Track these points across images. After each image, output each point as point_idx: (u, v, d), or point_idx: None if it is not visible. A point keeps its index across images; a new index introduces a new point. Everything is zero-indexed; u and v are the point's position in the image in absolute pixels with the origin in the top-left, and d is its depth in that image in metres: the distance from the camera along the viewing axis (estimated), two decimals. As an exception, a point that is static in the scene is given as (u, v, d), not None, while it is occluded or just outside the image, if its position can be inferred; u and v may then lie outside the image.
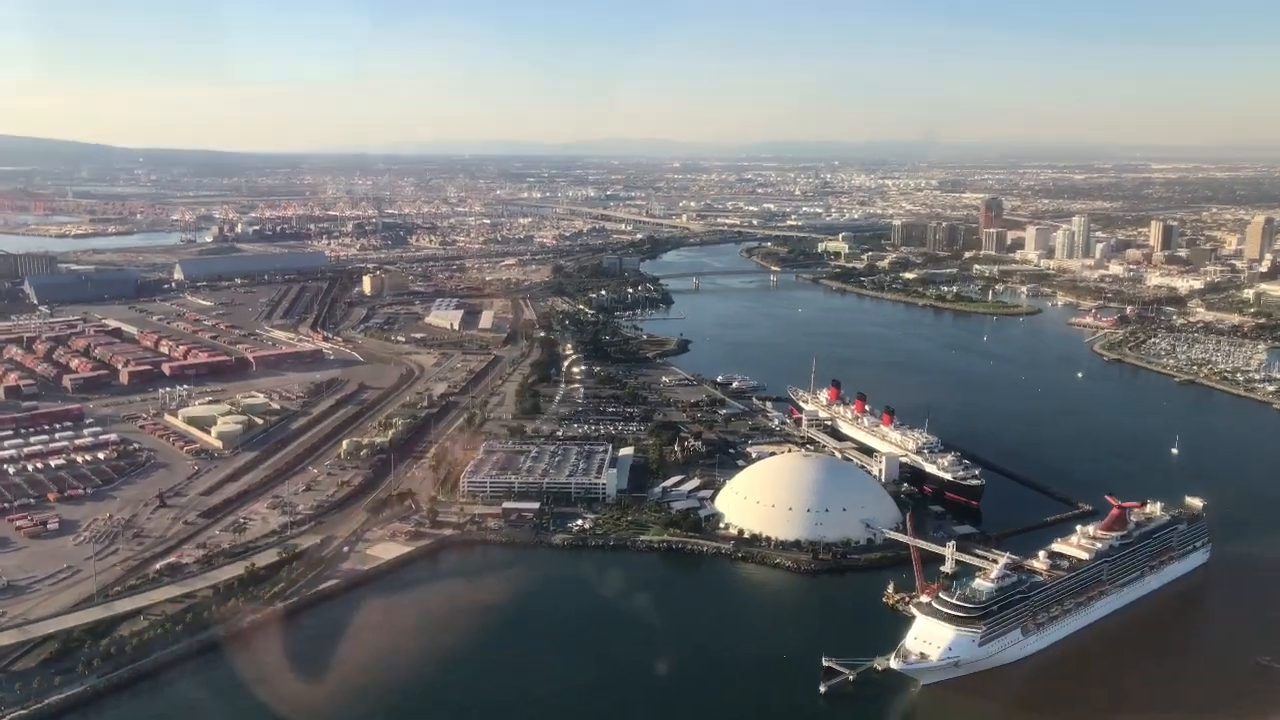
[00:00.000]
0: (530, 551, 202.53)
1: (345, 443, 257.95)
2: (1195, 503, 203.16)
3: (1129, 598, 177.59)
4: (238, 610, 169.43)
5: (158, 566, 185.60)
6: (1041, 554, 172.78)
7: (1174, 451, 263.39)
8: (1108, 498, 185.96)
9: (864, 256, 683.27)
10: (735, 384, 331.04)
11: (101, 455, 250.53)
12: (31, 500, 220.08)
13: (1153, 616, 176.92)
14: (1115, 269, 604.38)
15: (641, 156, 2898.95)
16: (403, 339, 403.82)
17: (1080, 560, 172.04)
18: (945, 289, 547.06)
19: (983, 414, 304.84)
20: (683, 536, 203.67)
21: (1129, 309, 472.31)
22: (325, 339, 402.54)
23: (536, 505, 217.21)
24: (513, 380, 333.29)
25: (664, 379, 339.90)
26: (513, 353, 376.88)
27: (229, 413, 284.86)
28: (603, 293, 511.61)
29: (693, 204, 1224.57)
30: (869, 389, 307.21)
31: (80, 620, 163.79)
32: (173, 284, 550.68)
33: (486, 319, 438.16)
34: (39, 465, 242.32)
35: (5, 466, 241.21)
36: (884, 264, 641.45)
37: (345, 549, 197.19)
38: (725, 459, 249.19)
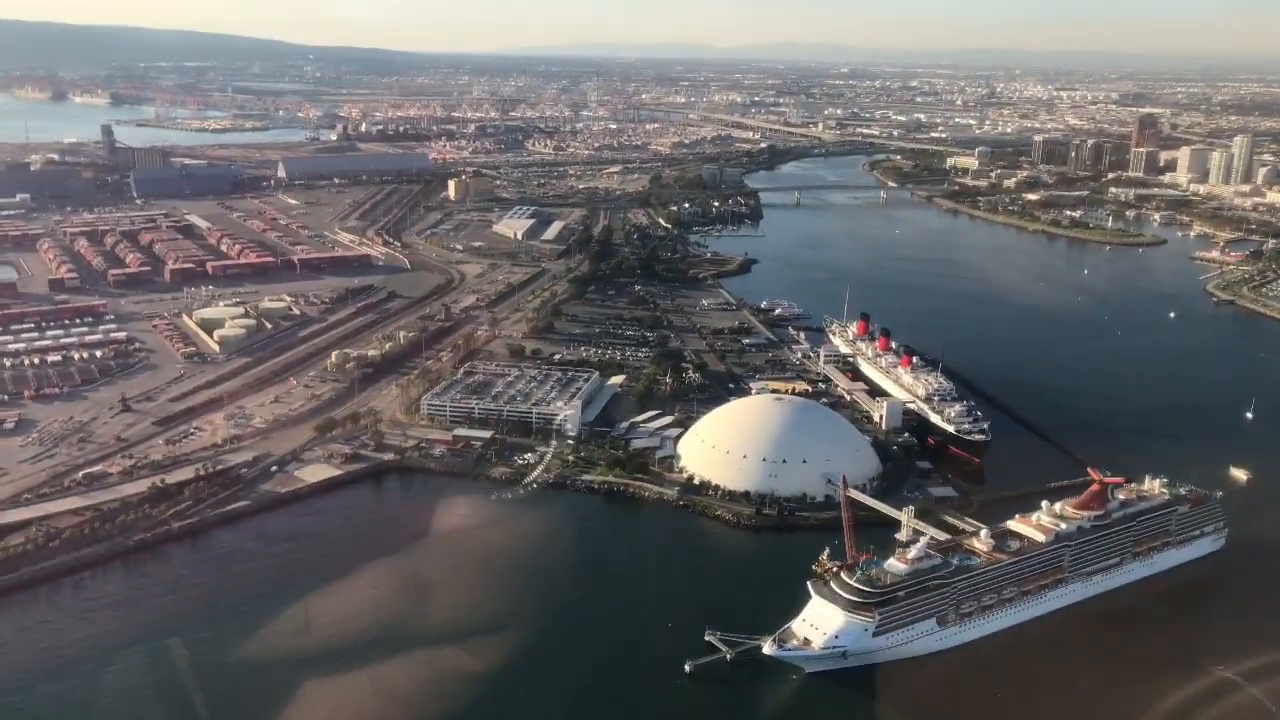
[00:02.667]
0: (464, 483, 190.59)
1: (334, 354, 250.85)
2: (1239, 475, 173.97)
3: (1099, 588, 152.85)
4: (125, 528, 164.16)
5: (78, 476, 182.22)
6: (984, 532, 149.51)
7: (1248, 416, 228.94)
8: (1089, 469, 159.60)
9: (993, 174, 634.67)
10: (778, 311, 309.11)
11: (99, 354, 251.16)
12: (5, 397, 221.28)
13: (1125, 612, 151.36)
14: (1274, 196, 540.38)
15: (811, 62, 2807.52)
16: (460, 247, 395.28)
17: (1034, 542, 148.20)
18: (1067, 213, 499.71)
19: (1036, 358, 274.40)
20: (625, 478, 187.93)
21: (1269, 243, 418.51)
22: (386, 244, 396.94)
23: (488, 434, 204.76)
24: (546, 295, 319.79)
25: (704, 302, 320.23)
26: (561, 266, 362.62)
27: (241, 316, 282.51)
28: (686, 206, 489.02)
29: (838, 112, 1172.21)
30: (918, 323, 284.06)
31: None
32: (271, 181, 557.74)
33: (553, 229, 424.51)
34: (35, 360, 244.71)
35: (3, 360, 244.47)
36: (1010, 184, 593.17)
37: (274, 469, 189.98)
38: (721, 394, 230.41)
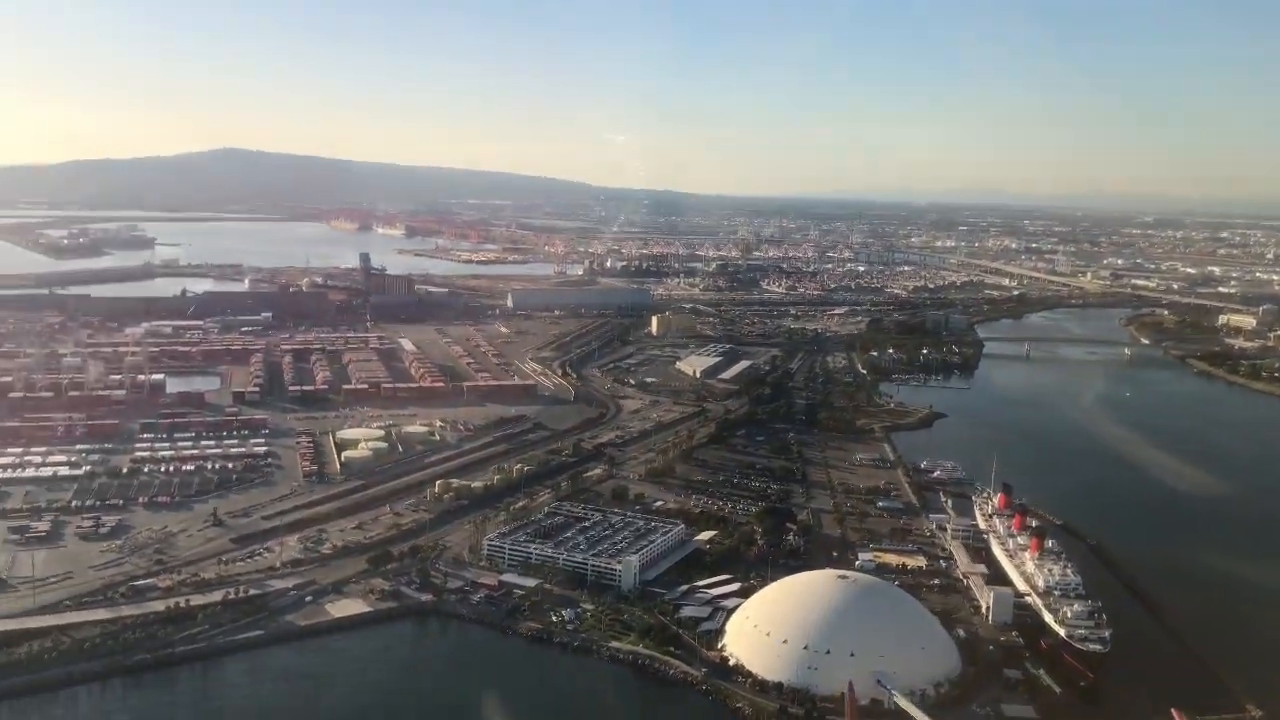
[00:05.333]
0: (489, 637, 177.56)
1: (437, 484, 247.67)
2: None
3: None
4: (127, 647, 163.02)
5: (122, 589, 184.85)
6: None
7: None
8: (1174, 712, 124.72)
9: (1272, 336, 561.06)
10: (937, 473, 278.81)
11: (230, 466, 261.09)
12: (120, 501, 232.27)
13: None
14: None
15: (1113, 210, 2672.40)
16: (632, 381, 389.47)
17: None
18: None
19: (1245, 557, 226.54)
20: (653, 650, 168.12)
21: None
22: (564, 375, 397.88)
23: (533, 583, 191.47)
24: (683, 436, 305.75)
25: (858, 456, 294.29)
26: (721, 407, 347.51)
27: (379, 439, 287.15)
28: (890, 352, 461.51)
29: (1118, 262, 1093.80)
30: (1095, 501, 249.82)
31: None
32: (497, 311, 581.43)
33: (736, 369, 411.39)
34: (170, 469, 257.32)
35: (146, 466, 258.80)
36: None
37: (308, 599, 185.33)
38: (820, 562, 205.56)
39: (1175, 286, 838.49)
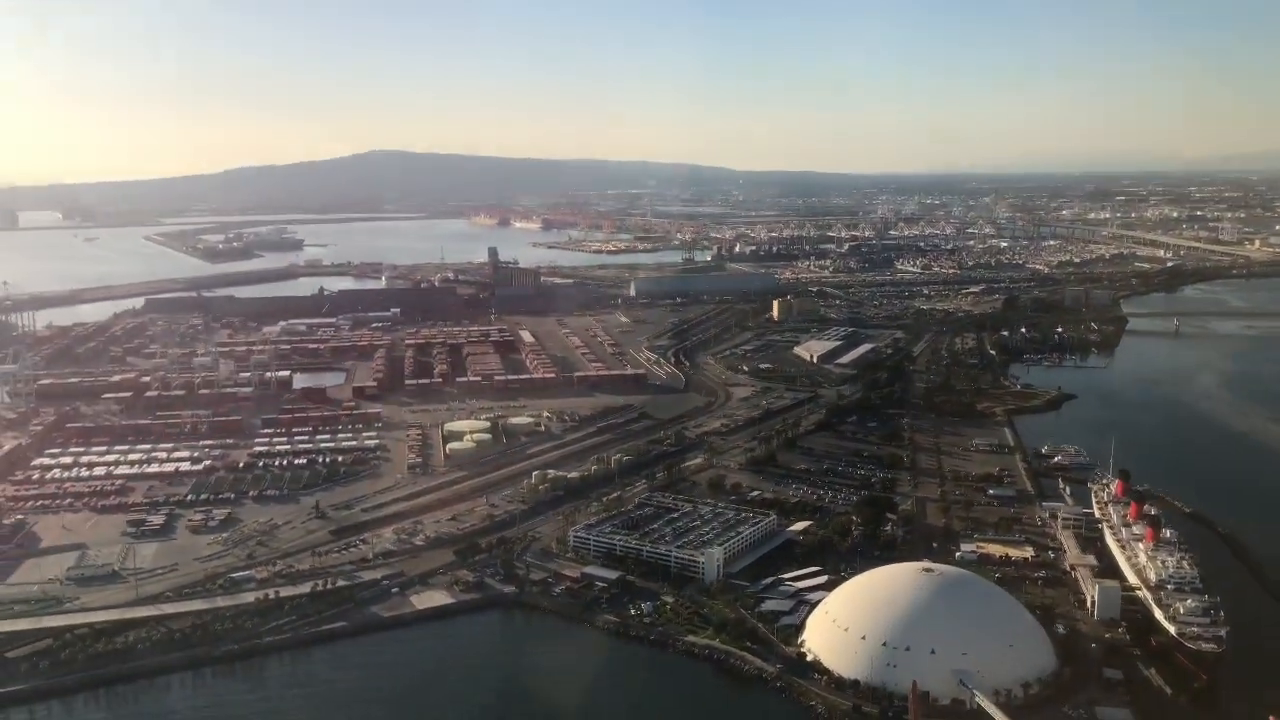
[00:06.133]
0: (567, 629, 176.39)
1: (534, 474, 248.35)
2: None
3: None
4: (216, 637, 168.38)
5: (220, 580, 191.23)
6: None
7: None
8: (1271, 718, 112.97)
9: None
10: (1058, 458, 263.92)
11: (340, 459, 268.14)
12: (232, 495, 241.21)
13: None
14: None
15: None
16: (746, 368, 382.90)
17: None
18: None
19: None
20: (729, 645, 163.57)
21: None
22: (678, 363, 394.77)
23: (615, 575, 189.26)
24: (799, 423, 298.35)
25: (975, 441, 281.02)
26: (835, 393, 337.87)
27: (484, 430, 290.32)
28: (1023, 331, 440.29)
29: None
30: (1235, 488, 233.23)
31: (99, 618, 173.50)
32: (620, 300, 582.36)
33: (856, 353, 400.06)
34: (283, 463, 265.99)
35: (262, 461, 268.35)
36: None
37: (394, 590, 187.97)
38: (918, 555, 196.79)
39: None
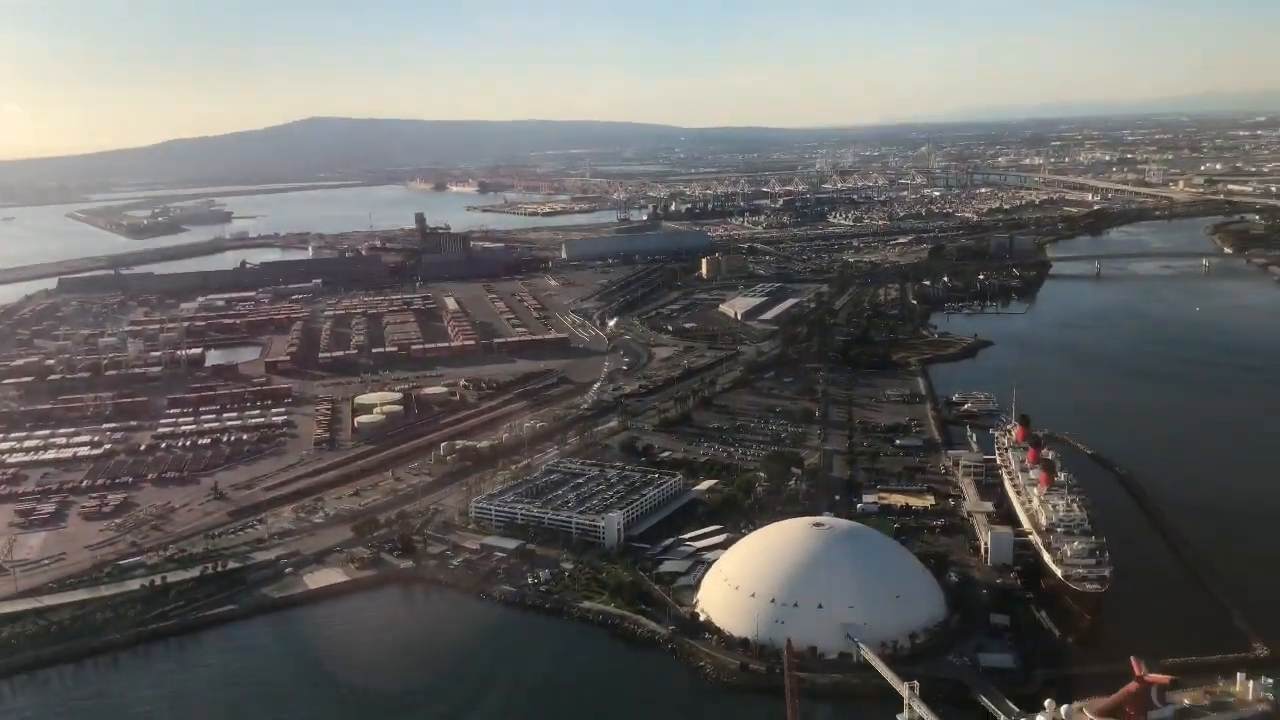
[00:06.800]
0: (462, 602, 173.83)
1: (442, 445, 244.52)
2: None
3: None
4: (96, 628, 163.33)
5: (108, 568, 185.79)
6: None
7: None
8: (1132, 660, 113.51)
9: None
10: (967, 405, 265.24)
11: (245, 437, 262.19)
12: (131, 479, 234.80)
13: None
14: None
15: (1227, 112, 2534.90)
16: (670, 328, 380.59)
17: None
18: None
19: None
20: (623, 609, 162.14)
21: None
22: (602, 326, 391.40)
23: (514, 545, 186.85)
24: (721, 380, 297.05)
25: (888, 392, 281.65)
26: (754, 349, 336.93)
27: (394, 402, 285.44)
28: (945, 280, 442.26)
29: (1216, 167, 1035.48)
30: (1142, 431, 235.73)
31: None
32: (549, 263, 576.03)
33: (780, 308, 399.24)
34: (187, 444, 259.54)
35: (164, 442, 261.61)
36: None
37: (288, 570, 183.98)
38: (819, 507, 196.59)
39: (1275, 190, 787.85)
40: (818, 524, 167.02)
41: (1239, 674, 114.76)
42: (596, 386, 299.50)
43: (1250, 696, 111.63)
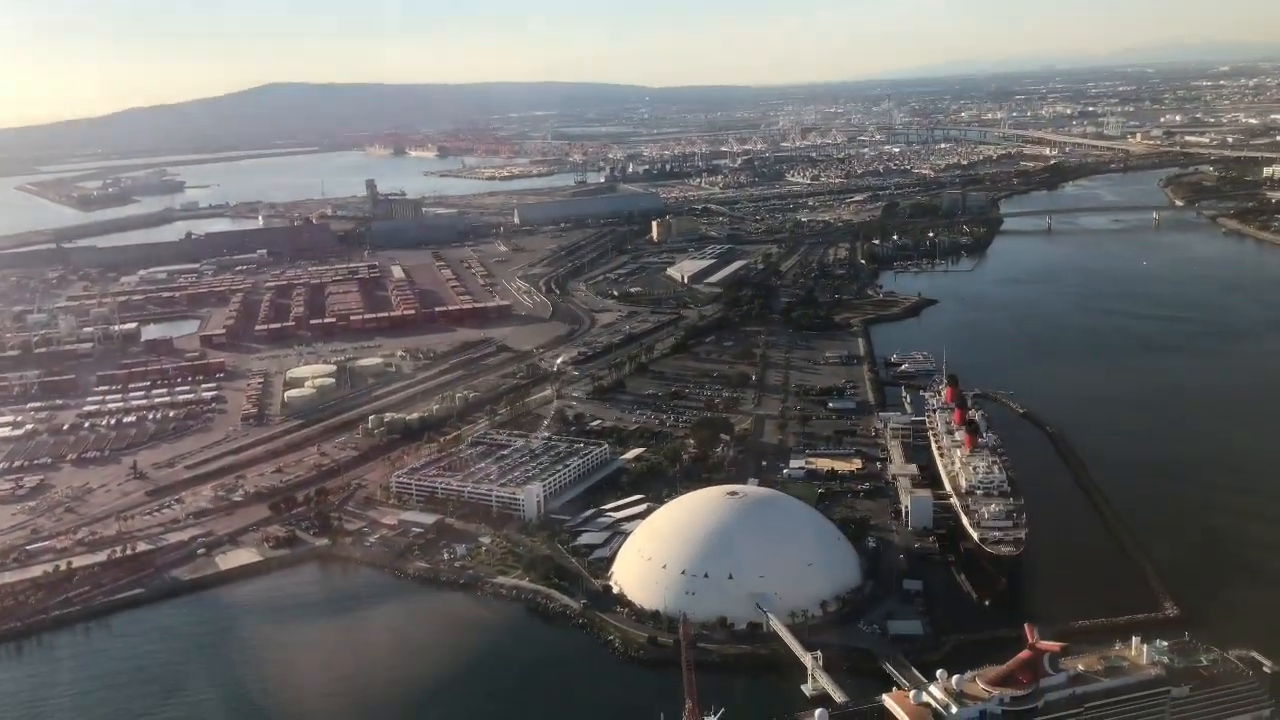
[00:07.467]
0: (378, 579, 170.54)
1: (370, 418, 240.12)
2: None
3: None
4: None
5: (15, 554, 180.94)
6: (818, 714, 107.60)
7: None
8: (1026, 627, 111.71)
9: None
10: (905, 366, 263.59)
11: (171, 414, 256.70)
12: (49, 460, 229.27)
13: None
14: None
15: (1190, 62, 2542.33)
16: (615, 293, 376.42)
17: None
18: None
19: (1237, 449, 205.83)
20: (537, 583, 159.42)
21: None
22: (548, 292, 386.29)
23: (432, 520, 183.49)
24: (659, 345, 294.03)
25: (827, 353, 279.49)
26: (697, 313, 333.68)
27: (327, 375, 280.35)
28: (895, 238, 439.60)
29: (1175, 119, 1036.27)
30: (1077, 390, 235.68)
31: None
32: (501, 228, 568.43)
33: (727, 271, 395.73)
34: (111, 422, 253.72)
35: (89, 421, 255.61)
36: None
37: (200, 552, 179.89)
38: (745, 473, 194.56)
39: (1230, 140, 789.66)
40: (732, 493, 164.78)
41: (1134, 638, 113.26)
42: (534, 354, 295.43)
43: (1144, 660, 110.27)
